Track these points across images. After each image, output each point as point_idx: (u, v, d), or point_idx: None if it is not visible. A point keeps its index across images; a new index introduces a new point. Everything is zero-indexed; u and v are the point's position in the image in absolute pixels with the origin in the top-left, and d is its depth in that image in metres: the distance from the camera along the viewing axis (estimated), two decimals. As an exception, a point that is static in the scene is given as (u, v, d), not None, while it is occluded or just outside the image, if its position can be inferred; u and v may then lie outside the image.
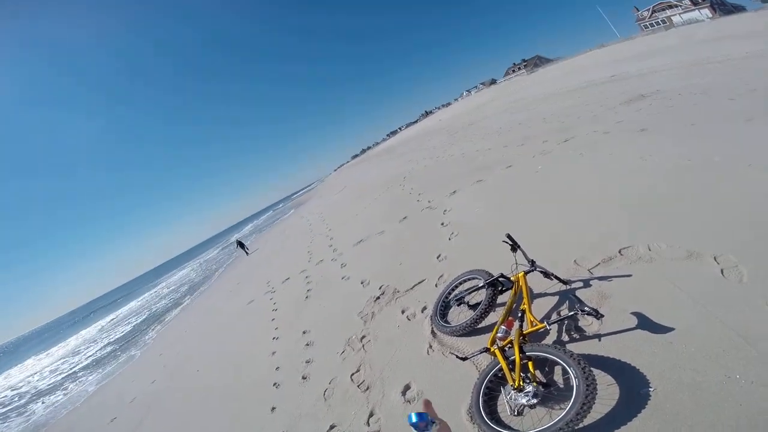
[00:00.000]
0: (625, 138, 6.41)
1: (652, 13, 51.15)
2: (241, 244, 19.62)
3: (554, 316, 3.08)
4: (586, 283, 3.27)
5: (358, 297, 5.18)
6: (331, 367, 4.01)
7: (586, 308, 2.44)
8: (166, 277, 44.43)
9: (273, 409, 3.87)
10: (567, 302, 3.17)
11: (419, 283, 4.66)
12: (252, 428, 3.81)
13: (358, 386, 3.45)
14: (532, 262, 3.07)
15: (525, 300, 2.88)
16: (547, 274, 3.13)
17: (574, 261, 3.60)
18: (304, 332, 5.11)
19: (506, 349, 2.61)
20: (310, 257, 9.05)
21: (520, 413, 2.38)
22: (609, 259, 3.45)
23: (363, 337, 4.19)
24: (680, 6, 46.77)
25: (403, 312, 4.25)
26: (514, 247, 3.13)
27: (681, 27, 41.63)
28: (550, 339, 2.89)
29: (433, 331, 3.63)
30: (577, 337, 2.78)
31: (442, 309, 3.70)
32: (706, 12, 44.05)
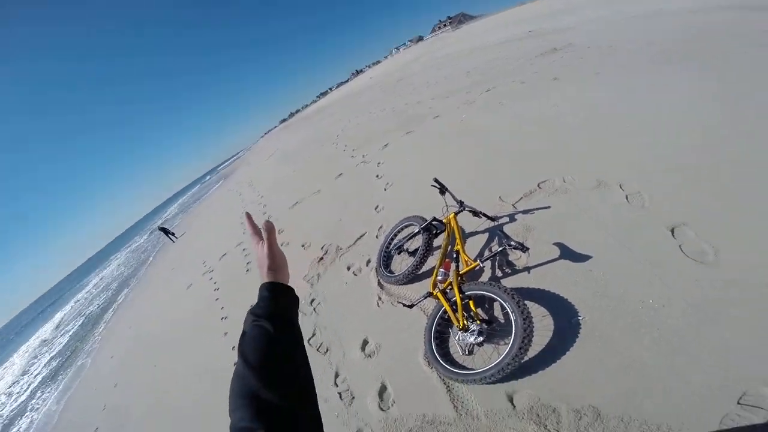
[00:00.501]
0: (540, 86, 6.85)
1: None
2: (165, 231, 17.27)
3: (486, 254, 3.29)
4: (512, 218, 3.54)
5: (301, 261, 5.07)
6: None
7: (512, 243, 2.57)
8: (95, 275, 39.00)
9: None
10: (496, 239, 3.42)
11: (360, 237, 4.69)
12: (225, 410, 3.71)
13: (317, 350, 3.44)
14: (461, 203, 3.17)
15: (458, 241, 2.98)
16: (475, 213, 3.29)
17: (499, 197, 3.88)
18: (251, 306, 4.95)
19: (447, 291, 2.68)
20: (245, 229, 8.58)
21: (470, 352, 2.51)
22: (530, 193, 3.76)
23: (312, 300, 4.15)
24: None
25: (348, 268, 4.27)
26: (443, 190, 3.20)
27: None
28: (485, 276, 3.09)
29: (379, 283, 3.70)
30: (509, 271, 3.00)
31: (385, 259, 3.76)
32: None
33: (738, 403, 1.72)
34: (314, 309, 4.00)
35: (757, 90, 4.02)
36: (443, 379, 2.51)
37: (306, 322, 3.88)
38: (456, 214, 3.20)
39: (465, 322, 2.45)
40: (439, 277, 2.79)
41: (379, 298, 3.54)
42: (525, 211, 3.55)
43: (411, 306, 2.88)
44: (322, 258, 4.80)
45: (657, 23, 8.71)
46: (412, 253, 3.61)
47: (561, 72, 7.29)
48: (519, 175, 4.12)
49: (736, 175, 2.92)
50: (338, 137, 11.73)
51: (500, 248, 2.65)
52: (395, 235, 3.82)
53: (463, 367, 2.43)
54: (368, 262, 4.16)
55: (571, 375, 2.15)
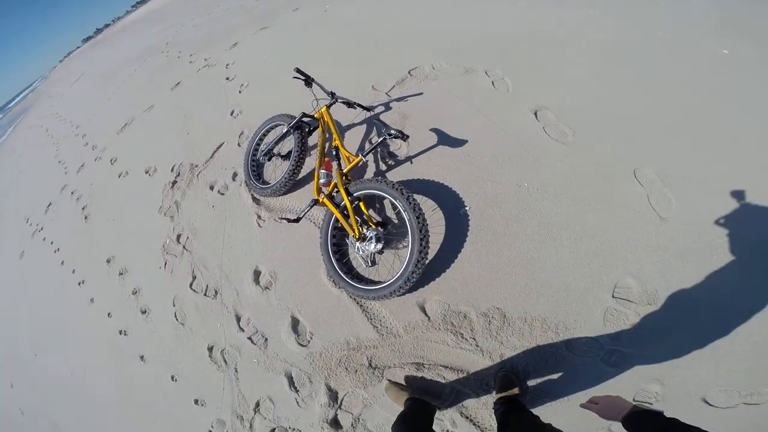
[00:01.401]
0: None
1: None
2: None
3: (367, 146, 3.05)
4: (387, 107, 3.33)
5: (150, 191, 4.04)
6: (162, 287, 3.20)
7: (392, 131, 2.28)
8: None
9: (142, 357, 3.00)
10: (374, 129, 3.18)
11: (218, 148, 3.89)
12: (141, 385, 2.95)
13: (205, 295, 2.89)
14: (332, 94, 2.80)
15: (335, 136, 2.65)
16: (349, 104, 2.98)
17: (372, 87, 3.58)
18: (108, 261, 3.81)
19: (334, 195, 2.37)
20: (66, 167, 6.44)
21: (373, 262, 2.32)
22: (402, 81, 3.54)
23: (179, 236, 3.41)
24: None
25: (212, 188, 3.55)
26: (308, 81, 2.72)
27: None
28: (370, 172, 2.88)
29: (254, 198, 3.18)
30: (392, 163, 2.84)
31: (254, 169, 3.21)
32: None
33: (612, 296, 1.88)
34: (184, 247, 3.31)
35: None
36: (355, 299, 2.33)
37: (181, 266, 3.21)
38: (328, 106, 2.82)
39: (360, 229, 2.18)
40: (322, 180, 2.48)
41: (259, 217, 3.07)
42: (399, 99, 3.37)
43: (297, 220, 2.44)
44: (174, 182, 3.90)
45: None
46: (285, 157, 3.13)
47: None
48: (389, 64, 3.82)
49: (589, 59, 3.10)
50: (168, 45, 9.18)
51: (380, 138, 2.36)
52: (260, 140, 3.25)
53: (371, 282, 2.27)
54: (234, 175, 3.52)
55: (470, 275, 2.16)
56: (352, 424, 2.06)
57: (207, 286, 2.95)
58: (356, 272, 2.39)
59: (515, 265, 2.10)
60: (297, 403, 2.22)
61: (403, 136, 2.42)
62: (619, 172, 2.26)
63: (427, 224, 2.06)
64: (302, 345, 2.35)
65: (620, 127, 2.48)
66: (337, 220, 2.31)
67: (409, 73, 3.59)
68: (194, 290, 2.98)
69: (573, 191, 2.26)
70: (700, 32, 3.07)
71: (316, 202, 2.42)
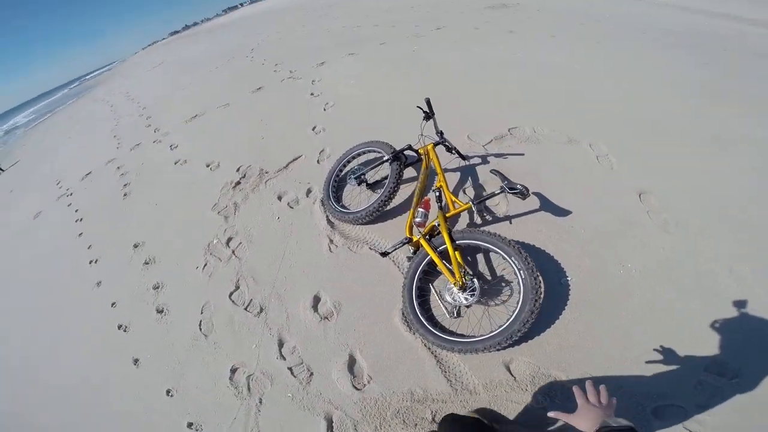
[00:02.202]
0: (496, 35, 6.42)
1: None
2: None
3: (476, 194, 2.83)
4: (484, 160, 3.13)
5: (208, 185, 3.86)
6: (194, 288, 2.87)
7: (516, 186, 2.03)
8: None
9: (136, 361, 2.61)
10: (469, 179, 2.95)
11: (294, 159, 3.73)
12: (122, 391, 2.51)
13: (246, 309, 2.56)
14: (441, 134, 2.60)
15: (440, 176, 2.44)
16: (450, 149, 2.74)
17: (468, 136, 3.40)
18: (135, 246, 3.55)
19: (431, 237, 2.19)
20: (119, 143, 6.49)
21: (459, 314, 2.07)
22: (501, 137, 3.36)
23: (230, 239, 3.14)
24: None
25: (280, 198, 3.33)
26: (429, 115, 2.53)
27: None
28: (462, 222, 2.65)
29: (329, 220, 2.91)
30: (489, 218, 2.61)
31: (335, 191, 2.97)
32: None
33: (704, 371, 1.77)
34: (234, 252, 3.02)
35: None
36: (429, 348, 2.03)
37: (223, 271, 2.90)
38: (435, 144, 2.62)
39: (464, 278, 1.94)
40: (418, 219, 2.26)
41: (331, 241, 2.78)
42: (498, 155, 3.14)
43: (385, 254, 2.31)
44: (238, 182, 3.71)
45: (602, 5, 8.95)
46: (373, 186, 2.89)
47: (515, 27, 6.94)
48: (487, 117, 3.67)
49: (701, 148, 2.93)
50: (253, 50, 9.67)
51: (500, 191, 2.12)
52: (348, 162, 3.03)
53: (456, 333, 1.98)
54: (309, 191, 3.29)
55: (566, 342, 1.97)
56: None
57: (251, 300, 2.60)
58: (437, 320, 2.15)
59: (613, 338, 1.95)
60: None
61: (525, 194, 2.12)
62: (720, 268, 2.13)
63: (542, 287, 1.94)
64: (356, 388, 2.00)
65: (724, 223, 2.36)
66: (429, 264, 2.15)
67: (509, 131, 3.40)
68: (233, 301, 2.64)
69: (674, 278, 2.13)
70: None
71: (409, 240, 2.22)
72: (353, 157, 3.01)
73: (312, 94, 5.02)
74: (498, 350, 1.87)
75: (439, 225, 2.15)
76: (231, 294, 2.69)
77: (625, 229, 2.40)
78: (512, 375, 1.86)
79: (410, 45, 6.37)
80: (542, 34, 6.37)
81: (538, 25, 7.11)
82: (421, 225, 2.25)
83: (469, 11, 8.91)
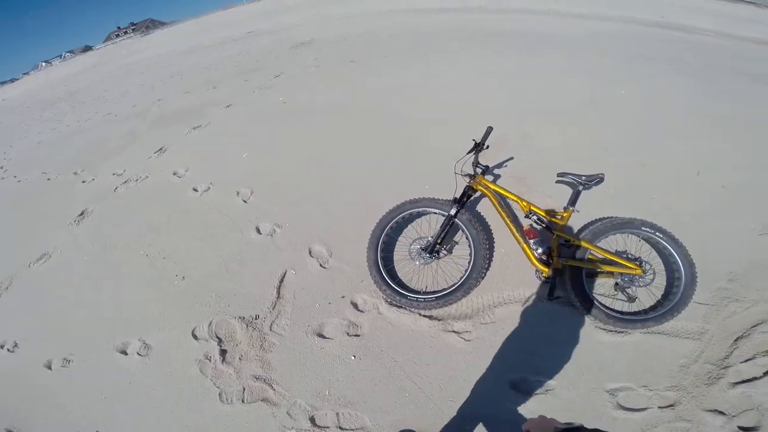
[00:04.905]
0: (342, 69, 6.43)
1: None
2: None
3: (565, 197, 2.40)
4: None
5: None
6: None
7: (594, 177, 2.02)
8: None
9: None
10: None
11: (281, 280, 2.47)
12: None
13: None
14: (486, 167, 2.22)
15: (517, 199, 2.07)
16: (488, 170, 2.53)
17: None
18: None
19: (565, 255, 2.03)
20: None
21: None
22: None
23: None
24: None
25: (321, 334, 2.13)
26: (481, 147, 2.13)
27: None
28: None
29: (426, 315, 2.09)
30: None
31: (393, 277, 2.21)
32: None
33: None
34: None
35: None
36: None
37: None
38: (483, 175, 2.18)
39: (640, 265, 1.96)
40: (540, 250, 1.99)
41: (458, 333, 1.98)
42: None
43: (554, 298, 1.92)
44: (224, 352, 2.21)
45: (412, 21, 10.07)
46: (428, 249, 2.16)
47: (354, 56, 7.05)
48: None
49: None
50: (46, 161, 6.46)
51: (580, 188, 2.03)
52: (384, 236, 2.24)
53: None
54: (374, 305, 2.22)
55: None
56: None
57: None
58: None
59: None
60: None
61: (603, 178, 2.05)
62: None
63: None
64: None
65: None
66: (590, 274, 2.07)
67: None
68: None
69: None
70: None
71: (557, 271, 1.95)
72: (392, 226, 2.26)
73: (195, 189, 3.57)
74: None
75: (566, 241, 2.02)
76: None
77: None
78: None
79: (262, 98, 5.63)
80: (377, 56, 6.70)
81: (358, 50, 7.46)
82: (545, 254, 1.98)
83: (284, 53, 8.85)
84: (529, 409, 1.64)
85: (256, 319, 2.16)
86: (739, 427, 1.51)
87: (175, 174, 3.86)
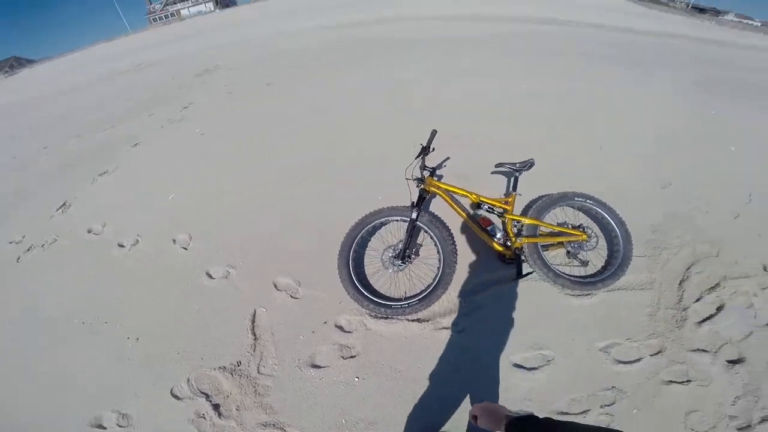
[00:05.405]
0: (250, 94, 6.29)
1: (165, 6, 58.09)
2: None
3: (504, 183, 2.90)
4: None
5: None
6: None
7: (525, 163, 2.22)
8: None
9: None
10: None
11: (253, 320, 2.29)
12: None
13: None
14: (433, 170, 2.29)
15: (466, 193, 2.19)
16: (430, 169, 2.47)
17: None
18: None
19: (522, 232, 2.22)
20: None
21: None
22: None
23: None
24: (189, 0, 55.95)
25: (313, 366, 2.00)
26: (426, 149, 2.17)
27: (189, 19, 46.21)
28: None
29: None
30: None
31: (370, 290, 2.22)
32: (210, 5, 55.30)
33: None
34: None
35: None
36: None
37: None
38: (431, 175, 2.27)
39: (583, 232, 2.23)
40: (498, 236, 2.21)
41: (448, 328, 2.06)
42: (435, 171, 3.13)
43: (521, 276, 2.12)
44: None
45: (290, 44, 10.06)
46: (399, 255, 2.21)
47: (271, 79, 6.86)
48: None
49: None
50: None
51: (518, 174, 2.25)
52: (354, 251, 2.23)
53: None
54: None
55: None
56: None
57: None
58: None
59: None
60: None
61: (533, 163, 2.26)
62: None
63: None
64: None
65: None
66: (545, 248, 2.21)
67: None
68: None
69: None
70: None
71: (518, 251, 2.15)
72: (357, 241, 2.25)
73: (121, 245, 3.11)
74: None
75: (517, 222, 2.22)
76: None
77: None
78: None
79: (172, 133, 5.19)
80: (300, 80, 6.63)
81: (262, 74, 7.35)
82: (504, 237, 2.19)
83: (186, 81, 8.39)
84: (538, 382, 1.77)
85: (239, 365, 1.99)
86: (728, 361, 1.76)
87: (90, 231, 3.32)
